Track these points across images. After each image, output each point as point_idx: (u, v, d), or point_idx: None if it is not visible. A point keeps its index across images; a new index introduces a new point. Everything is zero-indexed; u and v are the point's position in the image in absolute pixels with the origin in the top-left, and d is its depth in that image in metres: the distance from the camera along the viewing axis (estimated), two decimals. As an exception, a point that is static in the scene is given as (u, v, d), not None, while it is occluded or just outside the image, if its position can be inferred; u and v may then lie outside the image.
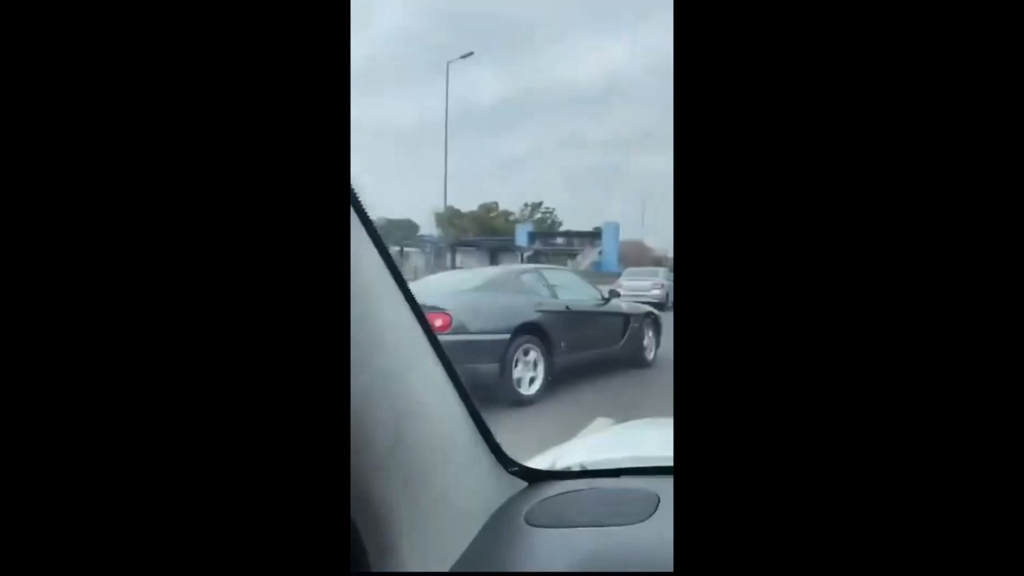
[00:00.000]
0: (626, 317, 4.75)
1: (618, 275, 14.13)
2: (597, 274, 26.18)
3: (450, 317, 3.36)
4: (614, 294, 4.80)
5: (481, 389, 3.29)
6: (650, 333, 5.03)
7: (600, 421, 3.03)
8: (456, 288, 3.99)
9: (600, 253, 35.04)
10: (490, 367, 3.44)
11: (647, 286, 10.95)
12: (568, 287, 4.55)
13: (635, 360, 4.82)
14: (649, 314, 5.11)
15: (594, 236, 35.65)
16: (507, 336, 3.54)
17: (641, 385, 4.36)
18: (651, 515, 0.58)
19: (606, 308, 4.61)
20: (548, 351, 3.79)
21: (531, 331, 3.72)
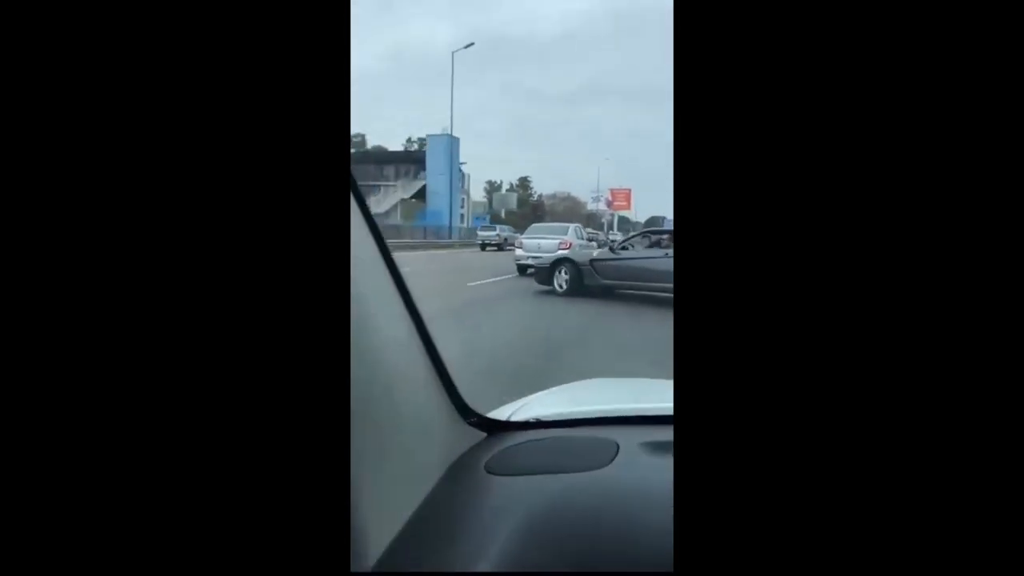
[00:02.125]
0: None
1: (476, 232, 11.83)
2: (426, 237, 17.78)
3: None
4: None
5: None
6: None
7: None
8: None
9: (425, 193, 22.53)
10: None
11: (552, 246, 9.57)
12: None
13: None
14: None
15: (414, 162, 22.87)
16: None
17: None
18: (611, 461, 0.59)
19: None
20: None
21: None
